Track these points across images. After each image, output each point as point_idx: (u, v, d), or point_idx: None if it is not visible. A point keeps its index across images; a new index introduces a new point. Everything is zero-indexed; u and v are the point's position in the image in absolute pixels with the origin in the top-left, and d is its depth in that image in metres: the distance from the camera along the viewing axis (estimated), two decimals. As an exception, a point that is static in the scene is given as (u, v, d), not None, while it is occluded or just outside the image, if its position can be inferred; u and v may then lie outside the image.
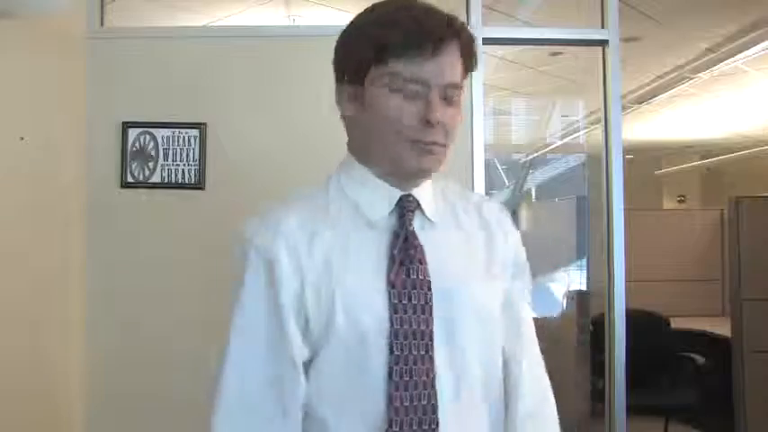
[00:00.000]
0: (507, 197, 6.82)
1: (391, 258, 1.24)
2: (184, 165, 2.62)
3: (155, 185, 2.62)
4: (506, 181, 7.08)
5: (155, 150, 2.62)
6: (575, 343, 4.43)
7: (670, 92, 5.55)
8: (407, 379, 1.19)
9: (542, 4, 3.68)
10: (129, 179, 2.61)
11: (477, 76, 2.66)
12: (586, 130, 6.35)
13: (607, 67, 2.76)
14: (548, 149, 7.30)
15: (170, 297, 2.59)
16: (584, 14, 2.88)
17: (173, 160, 2.62)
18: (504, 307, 1.35)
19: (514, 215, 6.39)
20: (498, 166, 7.07)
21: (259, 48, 2.69)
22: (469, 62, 1.27)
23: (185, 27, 2.86)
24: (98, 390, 2.57)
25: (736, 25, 4.10)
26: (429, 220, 1.32)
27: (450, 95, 1.24)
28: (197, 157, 2.62)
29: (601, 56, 2.79)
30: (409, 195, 1.31)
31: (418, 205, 1.32)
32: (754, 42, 4.24)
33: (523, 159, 7.46)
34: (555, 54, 4.47)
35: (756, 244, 4.07)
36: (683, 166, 9.14)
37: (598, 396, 3.41)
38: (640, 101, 5.83)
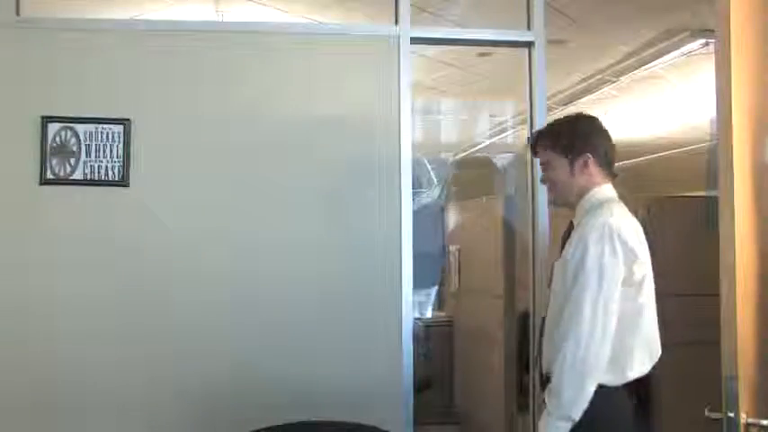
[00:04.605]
0: (436, 196, 6.90)
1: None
2: (108, 161, 2.56)
3: (77, 182, 2.55)
4: (435, 180, 7.15)
5: (77, 146, 2.55)
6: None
7: (594, 94, 5.71)
8: None
9: (472, 5, 3.73)
10: (50, 176, 2.54)
11: (405, 76, 2.69)
12: (514, 131, 6.47)
13: (533, 69, 2.83)
14: (476, 149, 7.40)
15: (91, 299, 2.53)
16: (511, 17, 2.94)
17: (96, 156, 2.56)
18: None
19: (442, 212, 6.47)
20: (427, 164, 7.13)
21: (185, 43, 2.64)
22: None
23: (108, 19, 2.78)
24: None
25: (653, 32, 4.24)
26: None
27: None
28: (121, 153, 2.56)
29: (527, 57, 2.86)
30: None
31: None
32: (671, 49, 4.40)
33: (451, 159, 7.56)
34: (483, 55, 4.54)
35: (671, 241, 4.22)
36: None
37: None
38: (566, 102, 5.97)
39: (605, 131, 2.17)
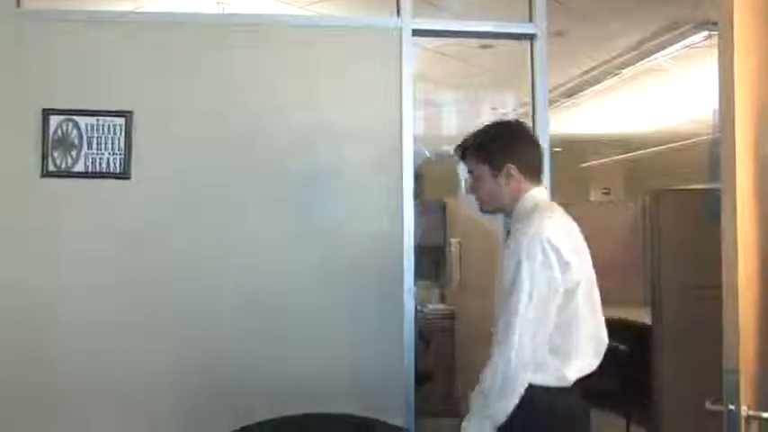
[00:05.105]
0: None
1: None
2: (109, 154, 2.56)
3: (78, 174, 2.55)
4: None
5: (78, 139, 2.55)
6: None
7: (596, 86, 5.70)
8: None
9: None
10: (51, 168, 2.54)
11: (406, 68, 2.68)
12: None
13: (535, 61, 2.82)
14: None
15: (92, 292, 2.53)
16: (513, 9, 2.93)
17: (97, 149, 2.56)
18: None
19: (444, 205, 6.45)
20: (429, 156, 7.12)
21: (186, 35, 2.64)
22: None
23: (109, 11, 2.78)
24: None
25: (656, 24, 4.24)
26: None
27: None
28: (122, 145, 2.56)
29: (529, 49, 2.85)
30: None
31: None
32: (674, 41, 4.39)
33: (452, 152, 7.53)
34: (485, 47, 4.53)
35: (673, 234, 4.22)
36: (606, 159, 9.43)
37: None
38: (568, 95, 5.97)
39: (528, 136, 2.18)
